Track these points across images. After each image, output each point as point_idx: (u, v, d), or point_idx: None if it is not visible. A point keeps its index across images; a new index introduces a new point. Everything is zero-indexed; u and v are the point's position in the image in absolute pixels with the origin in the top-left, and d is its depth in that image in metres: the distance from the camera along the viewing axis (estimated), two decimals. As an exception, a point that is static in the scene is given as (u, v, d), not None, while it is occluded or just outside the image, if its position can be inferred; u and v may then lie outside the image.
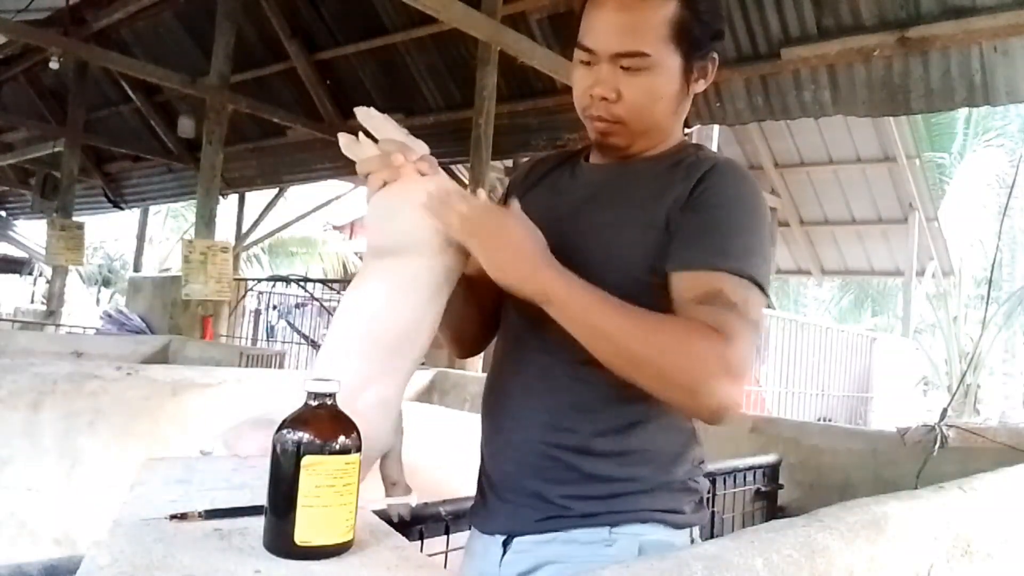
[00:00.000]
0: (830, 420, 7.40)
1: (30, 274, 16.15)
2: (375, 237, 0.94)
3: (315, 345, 8.82)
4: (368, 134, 0.93)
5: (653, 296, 0.92)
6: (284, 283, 9.85)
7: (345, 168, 8.57)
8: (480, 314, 1.11)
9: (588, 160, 1.11)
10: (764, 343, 7.64)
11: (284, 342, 9.31)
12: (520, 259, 0.88)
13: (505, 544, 1.00)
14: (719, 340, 0.85)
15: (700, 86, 1.04)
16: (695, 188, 0.96)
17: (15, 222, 15.57)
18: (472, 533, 1.08)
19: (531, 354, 1.02)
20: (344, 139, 0.94)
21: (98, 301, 17.63)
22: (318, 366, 0.88)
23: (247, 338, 9.50)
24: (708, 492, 1.07)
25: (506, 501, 1.01)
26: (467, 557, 1.08)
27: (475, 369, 4.25)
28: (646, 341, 0.86)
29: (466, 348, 1.16)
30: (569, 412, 0.98)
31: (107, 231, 18.47)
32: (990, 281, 4.90)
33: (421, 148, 0.94)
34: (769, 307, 9.24)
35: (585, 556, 0.94)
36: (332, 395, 0.68)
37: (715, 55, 1.02)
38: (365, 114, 0.93)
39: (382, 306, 0.91)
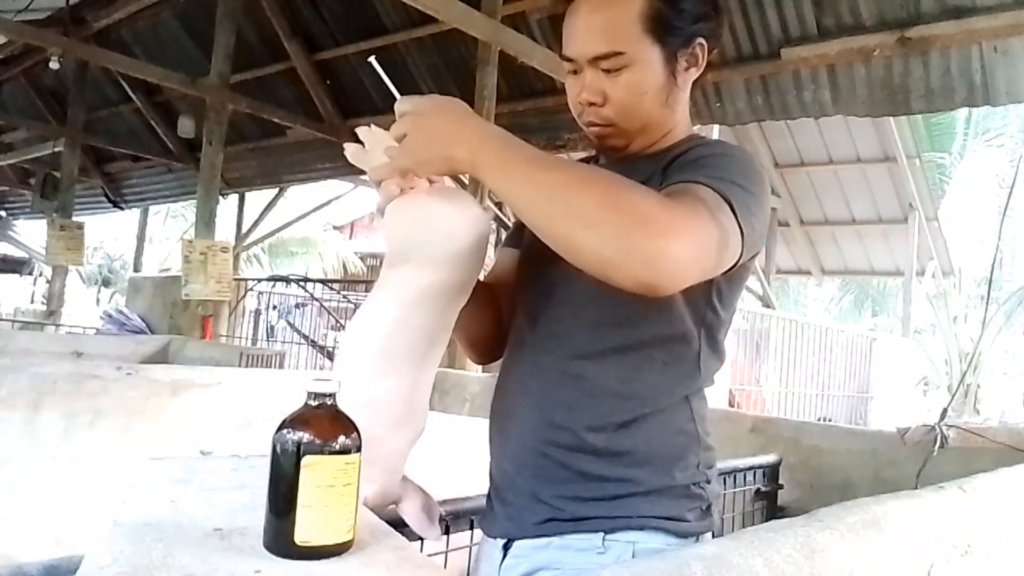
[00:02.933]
0: (830, 420, 7.40)
1: (30, 274, 16.17)
2: (392, 246, 0.92)
3: (315, 345, 8.82)
4: None
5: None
6: (284, 283, 9.84)
7: (345, 168, 8.57)
8: (496, 320, 1.10)
9: (598, 162, 1.11)
10: (764, 343, 7.64)
11: (284, 342, 9.31)
12: (438, 134, 0.82)
13: (505, 548, 1.00)
14: (665, 200, 0.79)
15: (692, 74, 1.02)
16: (682, 155, 0.96)
17: (15, 222, 15.57)
18: (482, 536, 1.09)
19: (528, 351, 1.02)
20: (351, 149, 0.93)
21: (98, 301, 17.64)
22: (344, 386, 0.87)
23: (247, 338, 9.50)
24: (717, 497, 1.02)
25: (506, 503, 1.01)
26: (477, 560, 1.09)
27: (475, 369, 4.25)
28: (579, 190, 0.77)
29: (482, 354, 1.14)
30: (561, 408, 0.97)
31: (107, 231, 18.49)
32: (990, 281, 4.90)
33: None
34: (768, 307, 9.25)
35: (577, 563, 0.92)
36: (332, 395, 0.68)
37: (702, 40, 0.99)
38: (367, 133, 0.93)
39: (397, 322, 0.90)
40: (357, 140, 0.94)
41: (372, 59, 1.00)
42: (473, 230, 0.88)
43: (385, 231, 0.90)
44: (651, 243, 0.74)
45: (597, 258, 0.76)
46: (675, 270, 0.76)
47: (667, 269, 0.76)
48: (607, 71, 0.96)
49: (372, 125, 0.93)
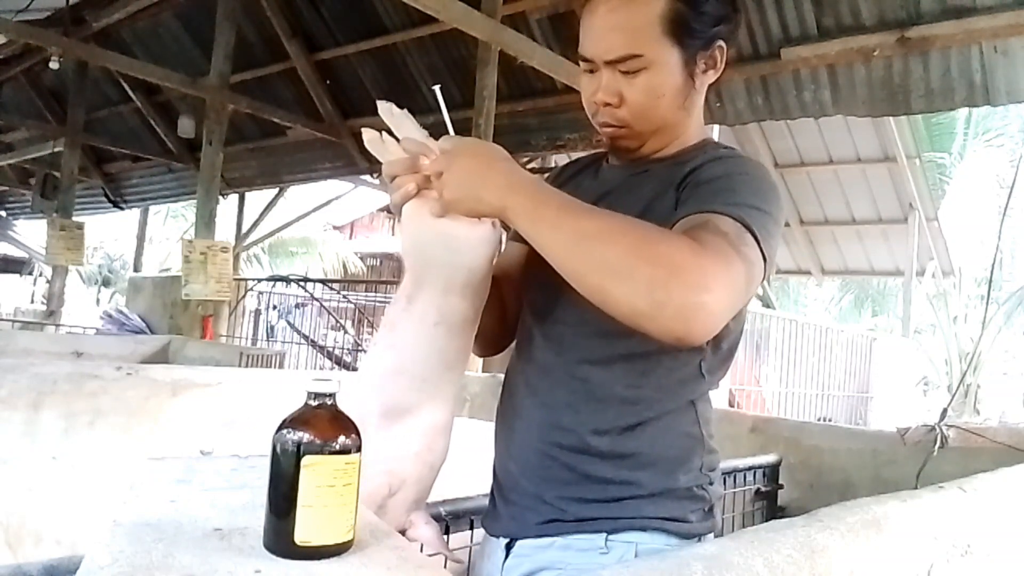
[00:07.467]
0: (830, 420, 7.40)
1: (30, 274, 16.18)
2: (411, 264, 0.93)
3: (315, 345, 8.82)
4: (390, 132, 0.91)
5: None
6: (284, 283, 9.84)
7: (345, 168, 8.57)
8: (501, 313, 1.09)
9: (607, 161, 1.11)
10: (764, 343, 7.64)
11: (284, 342, 9.31)
12: (469, 176, 0.83)
13: (508, 547, 1.00)
14: (694, 246, 0.77)
15: (710, 76, 1.00)
16: (695, 171, 0.95)
17: (15, 222, 15.57)
18: (484, 535, 1.09)
19: (536, 352, 1.02)
20: (368, 135, 0.91)
21: (98, 301, 17.63)
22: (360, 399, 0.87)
23: (247, 338, 9.49)
24: (719, 498, 1.03)
25: (509, 503, 1.01)
26: (479, 558, 1.09)
27: (475, 369, 4.25)
28: (609, 240, 0.77)
29: (484, 347, 1.13)
30: (567, 411, 0.97)
31: (107, 231, 18.46)
32: (990, 281, 4.90)
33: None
34: (769, 307, 9.25)
35: (580, 564, 0.92)
36: (332, 395, 0.68)
37: (722, 43, 0.98)
38: (387, 110, 0.91)
39: (423, 345, 0.94)
40: (356, 140, 0.93)
41: (437, 88, 0.99)
42: (487, 245, 0.89)
43: (403, 246, 0.91)
44: (684, 296, 0.74)
45: (630, 309, 0.76)
46: (708, 321, 0.76)
47: (702, 320, 0.75)
48: (624, 72, 0.95)
49: (393, 105, 0.91)
